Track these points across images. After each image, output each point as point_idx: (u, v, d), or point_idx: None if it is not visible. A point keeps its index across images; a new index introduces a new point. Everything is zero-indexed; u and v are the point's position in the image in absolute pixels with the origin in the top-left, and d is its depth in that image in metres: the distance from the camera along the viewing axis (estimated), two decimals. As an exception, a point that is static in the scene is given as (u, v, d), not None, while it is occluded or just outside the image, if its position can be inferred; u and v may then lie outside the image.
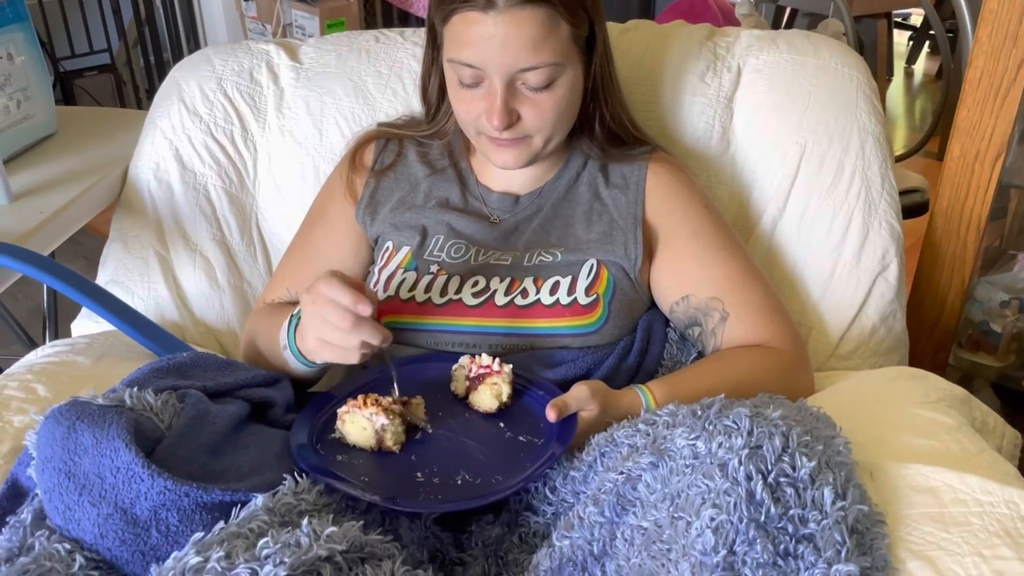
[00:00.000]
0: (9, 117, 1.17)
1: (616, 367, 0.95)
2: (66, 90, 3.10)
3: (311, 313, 0.81)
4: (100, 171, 1.17)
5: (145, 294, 1.13)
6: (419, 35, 1.24)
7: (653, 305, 1.01)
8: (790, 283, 1.10)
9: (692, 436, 0.70)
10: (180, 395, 0.75)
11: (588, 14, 0.91)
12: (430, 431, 0.83)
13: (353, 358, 0.82)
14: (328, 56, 1.22)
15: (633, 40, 1.18)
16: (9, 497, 0.73)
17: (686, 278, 0.97)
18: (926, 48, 4.23)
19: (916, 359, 1.21)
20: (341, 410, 0.81)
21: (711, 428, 0.69)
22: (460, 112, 0.95)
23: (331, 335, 0.80)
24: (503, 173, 1.02)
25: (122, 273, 1.13)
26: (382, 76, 1.20)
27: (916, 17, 4.25)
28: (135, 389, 0.73)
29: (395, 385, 0.85)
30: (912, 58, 4.22)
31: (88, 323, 1.12)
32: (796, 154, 1.10)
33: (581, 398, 0.82)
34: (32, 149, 1.23)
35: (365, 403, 0.80)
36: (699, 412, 0.73)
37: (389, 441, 0.80)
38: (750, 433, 0.68)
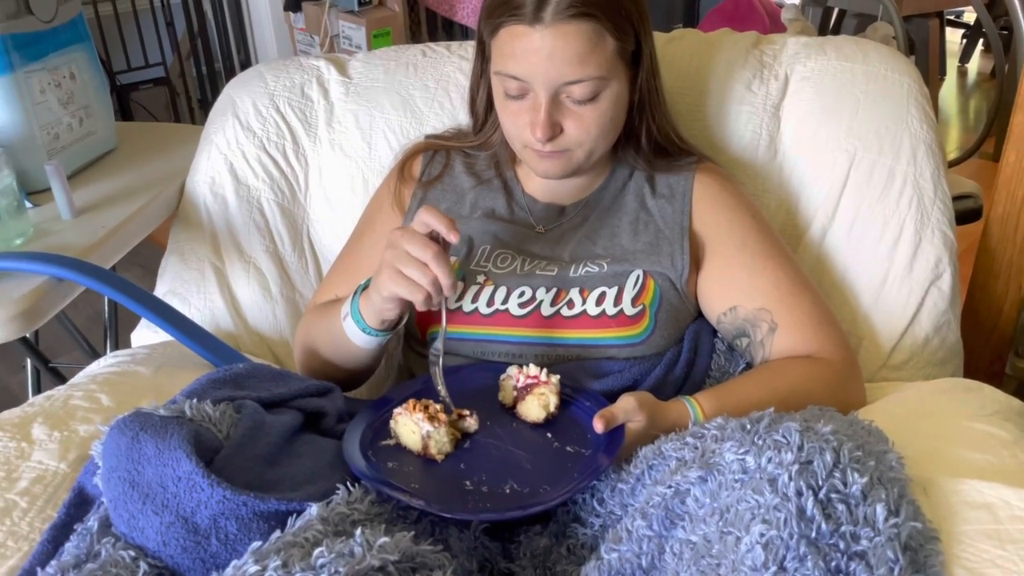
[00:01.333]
0: (72, 134, 1.22)
1: (663, 378, 0.94)
2: (122, 103, 3.20)
3: (395, 244, 0.85)
4: (158, 186, 1.21)
5: (201, 305, 1.16)
6: (465, 48, 1.25)
7: (700, 315, 1.01)
8: (840, 292, 1.09)
9: (741, 450, 0.69)
10: (237, 406, 0.77)
11: (635, 29, 0.91)
12: (474, 430, 0.85)
13: (419, 295, 0.84)
14: (377, 71, 1.24)
15: (679, 50, 1.18)
16: (76, 505, 0.75)
17: (734, 288, 0.97)
18: (980, 46, 4.13)
19: (971, 368, 1.19)
20: (396, 411, 0.83)
21: (760, 442, 0.69)
22: (506, 124, 0.96)
23: (409, 266, 0.84)
24: (549, 183, 1.03)
25: (179, 284, 1.17)
26: (429, 90, 1.22)
27: (969, 15, 4.15)
28: (194, 400, 0.75)
29: (442, 387, 0.87)
30: (966, 56, 4.12)
31: (147, 333, 1.15)
32: (845, 162, 1.09)
33: (628, 409, 0.82)
34: (93, 165, 1.28)
35: (415, 408, 0.82)
36: (748, 426, 0.73)
37: (433, 449, 0.81)
38: (800, 448, 0.67)
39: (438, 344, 0.89)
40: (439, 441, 0.81)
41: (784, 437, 0.69)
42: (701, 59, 1.17)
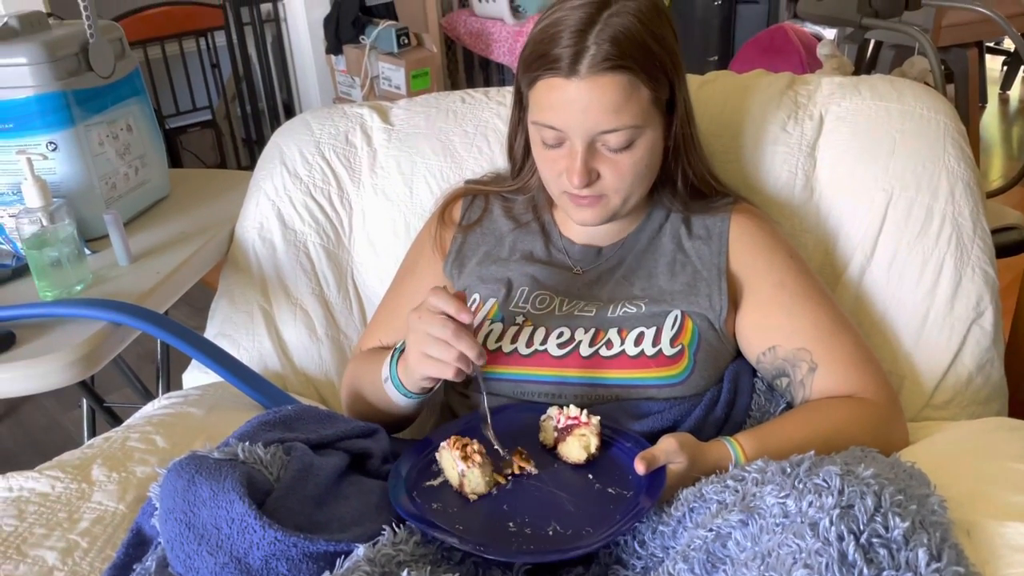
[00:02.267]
0: (129, 183, 1.27)
1: (703, 418, 0.95)
2: (171, 146, 3.31)
3: (415, 328, 0.88)
4: (209, 231, 1.25)
5: (250, 346, 1.19)
6: (503, 95, 1.29)
7: (739, 355, 1.02)
8: (880, 332, 1.09)
9: (782, 494, 0.70)
10: (287, 448, 0.80)
11: (668, 78, 0.94)
12: (534, 472, 0.87)
13: (449, 372, 0.87)
14: (417, 117, 1.28)
15: (712, 92, 1.20)
16: (134, 545, 0.79)
17: (773, 329, 0.98)
18: (1021, 73, 4.08)
19: (1017, 406, 1.17)
20: (443, 443, 0.86)
21: (801, 486, 0.70)
22: (544, 171, 0.99)
23: (432, 347, 0.86)
24: (588, 227, 1.05)
25: (229, 327, 1.21)
26: (468, 135, 1.25)
27: (1009, 42, 4.11)
28: (247, 443, 0.78)
29: (489, 422, 0.89)
30: (1007, 83, 4.08)
31: (198, 374, 1.19)
32: (883, 201, 1.10)
33: (670, 451, 0.83)
34: (148, 211, 1.33)
35: (454, 444, 0.84)
36: (788, 469, 0.73)
37: (467, 488, 0.83)
38: (841, 492, 0.67)
39: (483, 409, 0.91)
40: (472, 480, 0.83)
41: (825, 481, 0.69)
42: (735, 101, 1.19)
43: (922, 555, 0.63)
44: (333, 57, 3.28)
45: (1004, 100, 4.05)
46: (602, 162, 0.94)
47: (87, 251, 1.18)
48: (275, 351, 1.19)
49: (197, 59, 3.18)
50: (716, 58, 3.77)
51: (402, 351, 0.94)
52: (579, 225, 1.02)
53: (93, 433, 1.68)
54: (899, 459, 0.82)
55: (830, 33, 3.18)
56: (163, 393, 1.41)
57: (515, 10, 3.18)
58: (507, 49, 3.19)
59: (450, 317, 0.85)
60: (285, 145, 1.28)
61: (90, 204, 1.20)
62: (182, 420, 1.00)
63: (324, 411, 0.92)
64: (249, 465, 0.75)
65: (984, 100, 3.87)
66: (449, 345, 0.85)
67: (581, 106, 0.90)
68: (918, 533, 0.65)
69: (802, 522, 0.66)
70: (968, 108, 2.90)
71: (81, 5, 1.17)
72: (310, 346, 1.20)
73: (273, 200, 1.24)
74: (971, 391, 1.06)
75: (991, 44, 4.13)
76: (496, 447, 0.89)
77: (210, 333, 1.23)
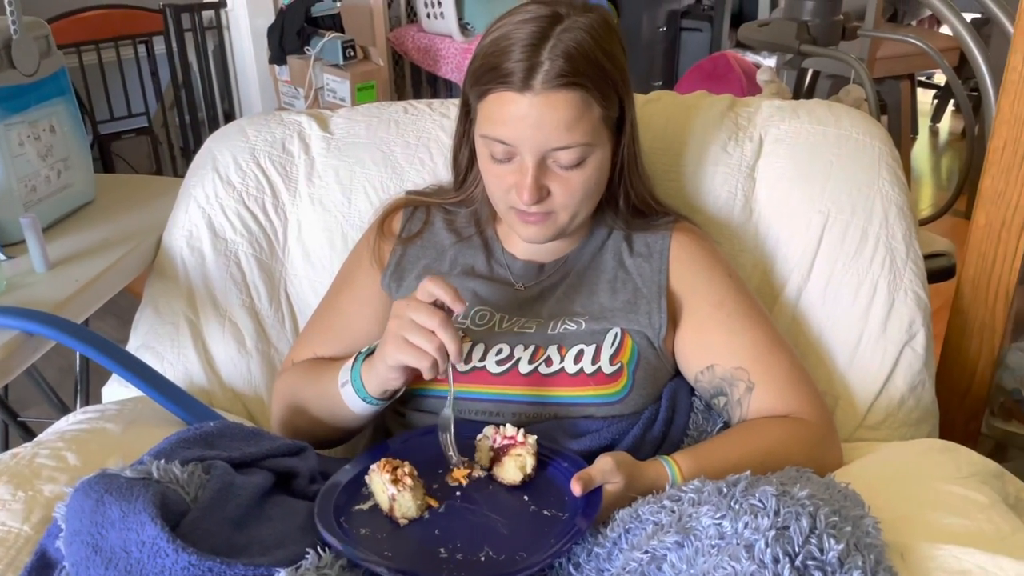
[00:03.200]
0: (50, 187, 1.21)
1: (641, 437, 0.94)
2: (104, 152, 3.20)
3: (399, 315, 0.86)
4: (135, 239, 1.20)
5: (175, 359, 1.14)
6: (447, 107, 1.27)
7: (678, 374, 1.01)
8: (815, 352, 1.10)
9: (718, 515, 0.69)
10: (206, 466, 0.76)
11: (619, 95, 0.93)
12: (482, 476, 0.87)
13: (426, 362, 0.85)
14: (358, 127, 1.25)
15: (655, 111, 1.20)
16: (38, 568, 0.73)
17: (711, 348, 0.97)
18: (951, 107, 4.24)
19: (947, 428, 1.19)
20: (372, 467, 0.83)
21: (737, 507, 0.69)
22: (491, 186, 0.97)
23: (415, 334, 0.85)
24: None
25: (153, 339, 1.15)
26: (410, 146, 1.23)
27: (940, 76, 4.27)
28: (162, 461, 0.74)
29: (453, 453, 0.88)
30: (937, 116, 4.23)
31: (118, 388, 1.14)
32: (819, 223, 1.11)
33: (606, 471, 0.82)
34: (71, 217, 1.27)
35: (384, 468, 0.81)
36: (725, 490, 0.72)
37: (397, 512, 0.80)
38: (776, 513, 0.67)
39: (447, 411, 0.89)
40: (403, 505, 0.80)
41: (761, 502, 0.69)
42: (678, 121, 1.19)
43: (856, 578, 0.62)
44: (277, 67, 3.23)
45: (934, 132, 4.20)
46: (552, 179, 0.92)
47: (1, 256, 1.12)
48: (201, 365, 1.14)
49: (135, 65, 3.09)
50: (660, 83, 3.84)
51: (367, 355, 0.92)
52: (525, 242, 1.00)
53: (5, 449, 1.59)
54: (834, 480, 0.82)
55: (770, 61, 3.27)
56: (81, 408, 1.34)
57: (464, 27, 3.17)
58: (455, 66, 3.18)
59: (439, 309, 0.85)
60: (219, 151, 1.23)
61: (6, 207, 1.14)
62: (96, 436, 0.94)
63: (248, 428, 0.88)
64: (164, 484, 0.71)
65: (915, 132, 4.01)
66: (432, 334, 0.84)
67: (533, 121, 0.88)
68: (853, 555, 0.65)
69: (738, 543, 0.65)
70: (900, 138, 2.99)
71: (4, 1, 1.12)
72: (239, 360, 1.15)
73: (204, 208, 1.20)
74: (903, 412, 1.07)
75: (922, 78, 4.29)
76: (451, 453, 0.88)
77: (133, 345, 1.17)
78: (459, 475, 0.87)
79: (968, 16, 1.92)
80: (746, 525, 0.66)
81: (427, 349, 0.85)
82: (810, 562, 0.63)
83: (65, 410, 1.67)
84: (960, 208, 3.04)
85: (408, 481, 0.81)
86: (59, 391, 1.74)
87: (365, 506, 0.83)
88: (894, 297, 1.08)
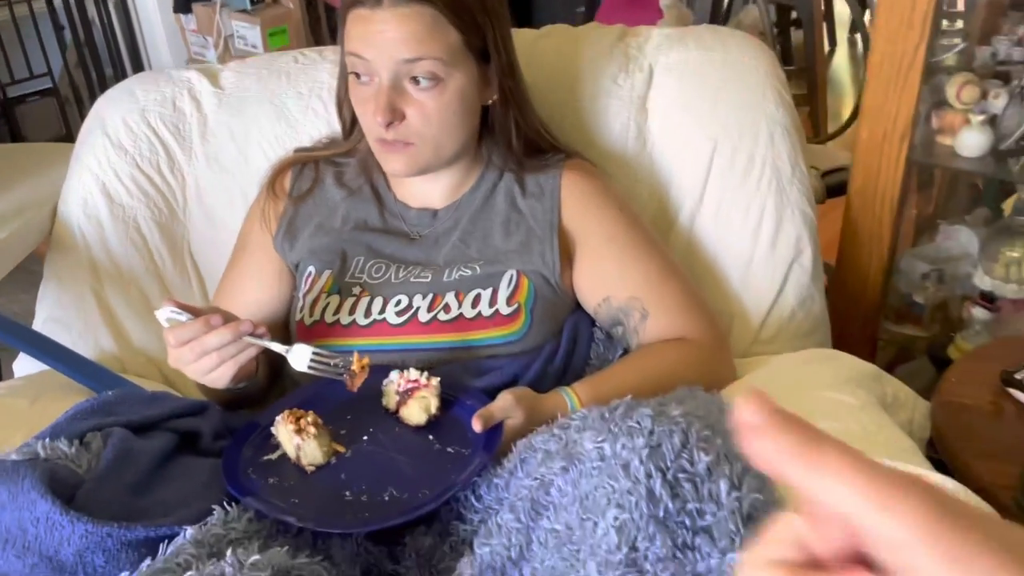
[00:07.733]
0: (-69, 163, 1.18)
1: (543, 371, 0.97)
2: (9, 118, 3.07)
3: (183, 368, 0.87)
4: (27, 211, 1.17)
5: (83, 329, 1.14)
6: (338, 53, 1.25)
7: (579, 307, 1.04)
8: (711, 274, 1.14)
9: (599, 439, 0.72)
10: (105, 434, 0.77)
11: (478, 23, 0.93)
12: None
13: (222, 372, 0.85)
14: (248, 80, 1.23)
15: (547, 46, 1.21)
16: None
17: (605, 280, 1.00)
18: (867, 16, 4.28)
19: (846, 336, 1.26)
20: (277, 418, 0.84)
21: (616, 430, 0.72)
22: (360, 115, 0.98)
23: (187, 370, 0.86)
24: (420, 188, 1.04)
25: (58, 311, 1.14)
26: (303, 97, 1.21)
27: (856, -13, 4.29)
28: (47, 440, 0.75)
29: (320, 355, 0.87)
30: (855, 27, 4.27)
31: (28, 363, 1.13)
32: (709, 149, 1.14)
33: (506, 407, 0.85)
34: (-42, 192, 1.23)
35: (288, 419, 0.83)
36: (607, 414, 0.76)
37: (303, 460, 0.83)
38: (651, 432, 0.71)
39: (296, 347, 0.88)
40: (308, 453, 0.82)
41: (637, 423, 0.72)
42: (568, 55, 1.19)
43: (723, 485, 0.66)
44: (183, 17, 3.10)
45: (852, 43, 4.24)
46: (408, 102, 0.93)
47: None
48: (110, 333, 1.14)
49: (30, 21, 2.94)
50: (583, 9, 3.78)
51: None
52: (392, 176, 1.01)
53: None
54: (718, 395, 0.86)
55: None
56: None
57: (373, -37, 3.08)
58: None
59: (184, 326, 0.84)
60: (107, 114, 1.20)
61: None
62: (3, 412, 0.94)
63: (148, 392, 0.89)
64: (52, 462, 0.72)
65: (834, 44, 4.05)
66: (208, 355, 0.83)
67: (384, 35, 0.90)
68: (721, 465, 0.69)
69: (616, 464, 0.69)
70: (816, 52, 3.02)
71: None
72: (147, 326, 1.15)
73: (96, 174, 1.17)
74: (794, 325, 1.12)
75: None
76: (332, 363, 0.87)
77: (39, 319, 1.16)
78: (357, 367, 0.87)
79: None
80: (623, 446, 0.70)
81: (200, 368, 0.85)
82: (680, 475, 0.67)
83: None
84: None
85: (312, 430, 0.83)
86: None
87: (274, 456, 0.85)
88: (781, 216, 1.12)
